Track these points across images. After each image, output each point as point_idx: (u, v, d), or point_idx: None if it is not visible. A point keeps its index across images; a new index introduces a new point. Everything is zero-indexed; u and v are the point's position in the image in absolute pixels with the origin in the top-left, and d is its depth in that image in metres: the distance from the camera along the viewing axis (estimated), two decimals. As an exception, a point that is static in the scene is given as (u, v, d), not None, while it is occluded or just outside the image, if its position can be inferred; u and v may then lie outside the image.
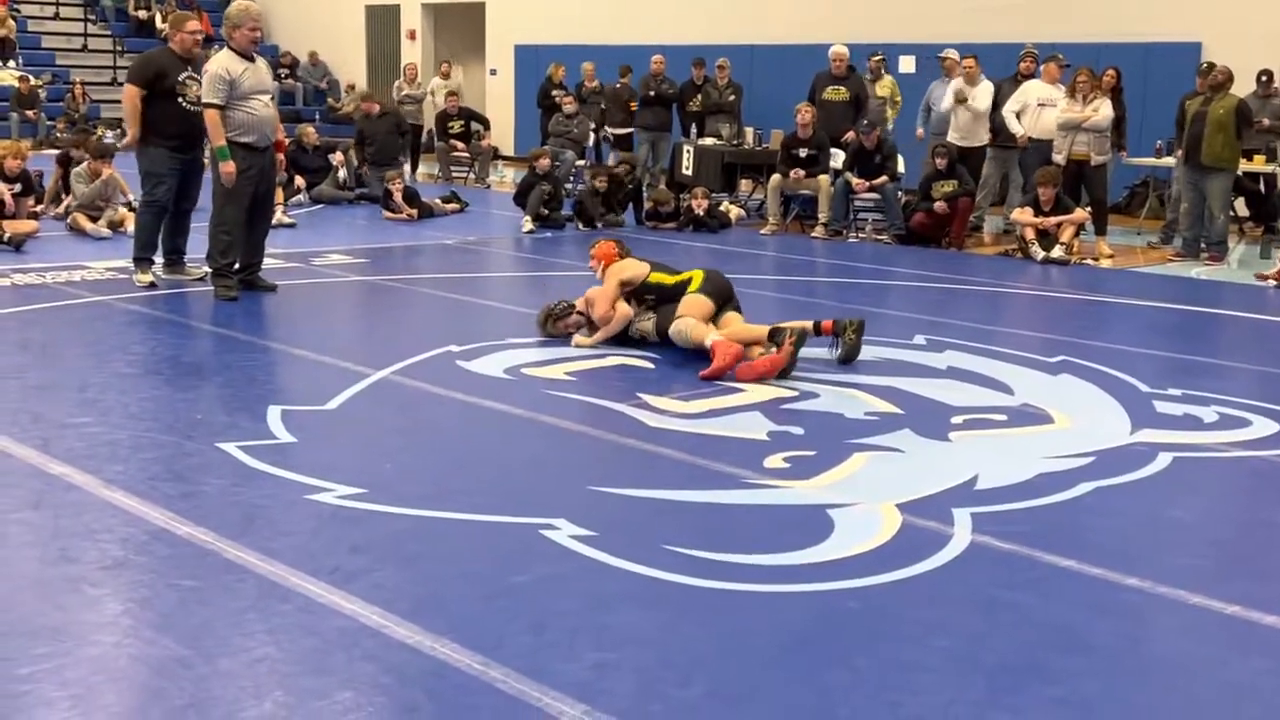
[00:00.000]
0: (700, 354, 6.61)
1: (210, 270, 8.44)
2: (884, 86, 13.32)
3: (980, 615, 3.68)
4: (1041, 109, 12.13)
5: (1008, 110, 12.28)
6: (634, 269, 7.17)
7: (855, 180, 12.36)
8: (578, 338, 7.09)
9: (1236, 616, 3.70)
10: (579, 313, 7.23)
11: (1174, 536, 4.44)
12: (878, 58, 13.50)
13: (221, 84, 8.00)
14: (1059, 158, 11.70)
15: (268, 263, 8.98)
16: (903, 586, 3.85)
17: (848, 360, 6.75)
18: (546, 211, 12.52)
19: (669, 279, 7.12)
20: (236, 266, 8.46)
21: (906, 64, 15.90)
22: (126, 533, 4.11)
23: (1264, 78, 12.80)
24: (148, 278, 8.62)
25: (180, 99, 8.30)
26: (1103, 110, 11.60)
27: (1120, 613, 3.73)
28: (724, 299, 6.98)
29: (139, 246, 8.71)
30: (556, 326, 7.23)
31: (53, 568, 3.83)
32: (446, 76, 18.66)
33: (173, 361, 6.58)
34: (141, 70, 8.44)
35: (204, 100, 8.05)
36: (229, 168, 8.05)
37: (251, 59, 8.23)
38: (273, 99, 8.56)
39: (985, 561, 4.07)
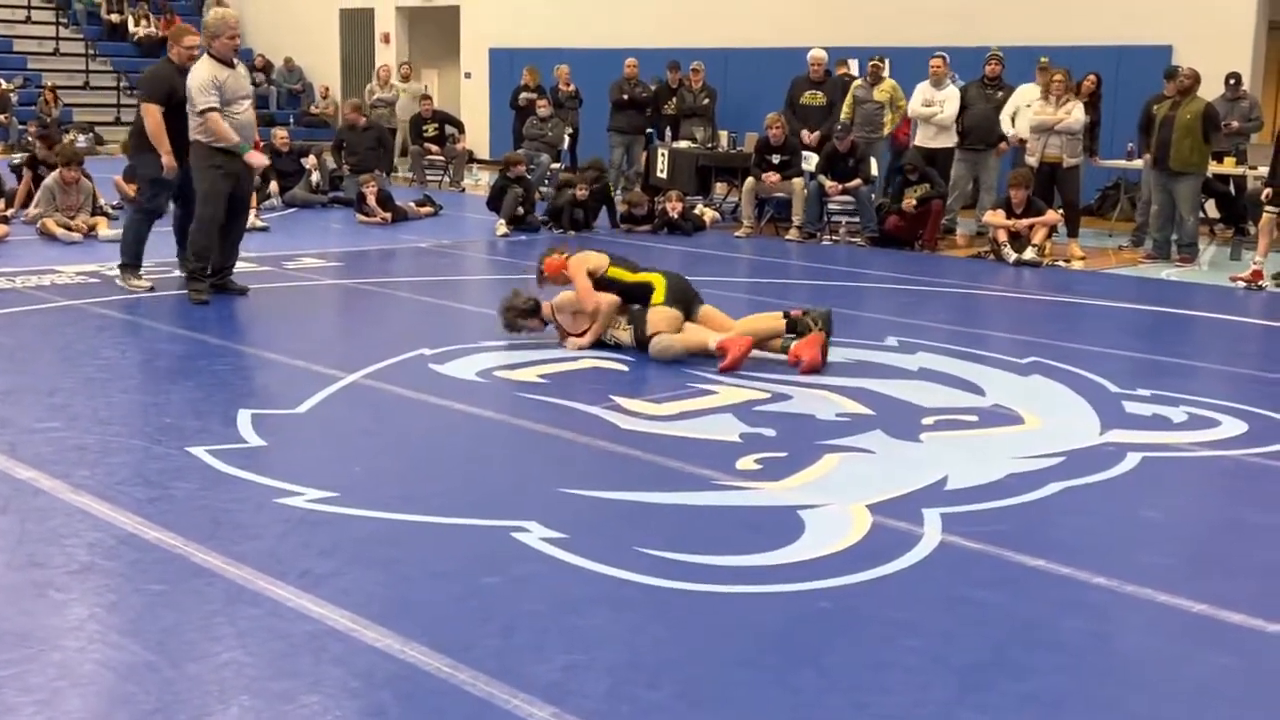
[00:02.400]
0: (682, 360, 6.71)
1: (184, 274, 8.51)
2: (883, 90, 13.30)
3: (950, 614, 3.69)
4: (1025, 110, 12.17)
5: (1005, 114, 12.31)
6: (595, 259, 7.18)
7: (828, 183, 12.39)
8: (572, 340, 7.08)
9: (1204, 614, 3.72)
10: (541, 319, 7.21)
11: (1142, 536, 4.46)
12: (875, 61, 13.53)
13: (212, 88, 8.10)
14: (1031, 160, 11.76)
15: (240, 266, 8.93)
16: (873, 587, 3.86)
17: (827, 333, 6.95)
18: (521, 213, 12.51)
19: (628, 275, 7.13)
20: (209, 270, 8.47)
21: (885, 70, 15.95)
22: (94, 537, 4.08)
23: (1232, 80, 12.90)
24: (144, 283, 8.64)
25: (188, 106, 8.35)
26: (1075, 113, 11.66)
27: (1089, 611, 3.75)
28: (689, 303, 7.03)
29: (129, 253, 8.69)
30: (517, 321, 7.20)
31: (19, 572, 3.80)
32: (406, 79, 18.58)
33: (143, 366, 6.55)
34: (158, 87, 8.39)
35: (200, 107, 8.09)
36: (256, 157, 8.44)
37: (231, 65, 8.34)
38: (252, 104, 8.63)
39: (955, 561, 4.09)
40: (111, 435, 5.23)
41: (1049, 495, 4.77)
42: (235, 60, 8.42)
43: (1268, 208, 10.25)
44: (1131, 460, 5.23)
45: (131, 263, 8.70)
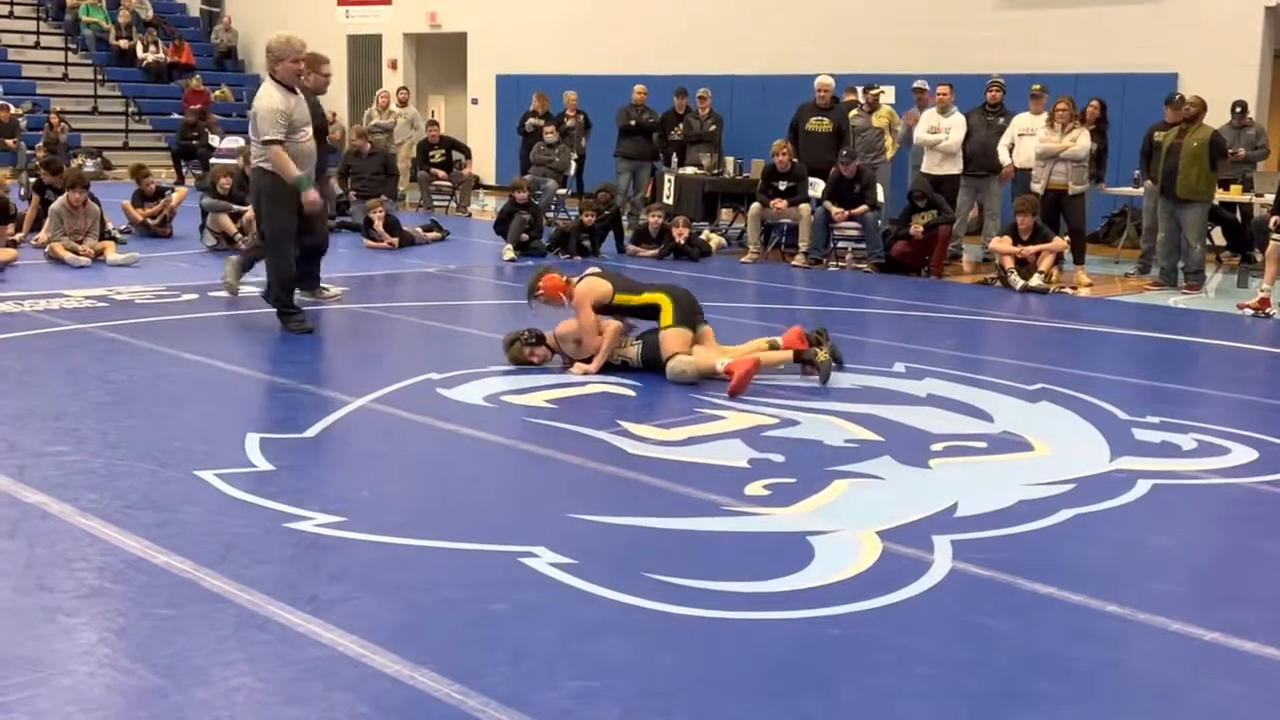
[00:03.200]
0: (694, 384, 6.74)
1: (275, 309, 8.30)
2: (880, 117, 13.37)
3: (961, 642, 3.68)
4: (1021, 138, 12.22)
5: (1003, 144, 12.34)
6: (599, 288, 7.16)
7: (835, 209, 12.42)
8: (579, 365, 7.08)
9: (1215, 642, 3.71)
10: (549, 347, 7.22)
11: (1153, 563, 4.45)
12: (875, 90, 13.59)
13: (281, 119, 7.88)
14: (1037, 187, 11.78)
15: (244, 290, 8.95)
16: (883, 613, 3.85)
17: (837, 363, 7.12)
18: (527, 238, 12.54)
19: (633, 299, 7.14)
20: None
21: (886, 96, 15.98)
22: (103, 561, 4.08)
23: (1238, 108, 12.92)
24: (335, 290, 9.50)
25: (325, 137, 8.92)
26: (1080, 140, 11.68)
27: (1100, 639, 3.73)
28: (695, 319, 7.08)
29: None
30: (523, 353, 7.20)
31: (27, 597, 3.79)
32: (404, 104, 18.56)
33: (151, 390, 6.55)
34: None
35: (265, 137, 7.88)
36: (312, 196, 8.00)
37: (295, 91, 8.08)
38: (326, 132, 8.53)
39: (965, 588, 4.07)
40: (119, 459, 5.23)
41: (1059, 522, 4.75)
42: (297, 87, 8.16)
43: (1275, 235, 10.25)
44: (1142, 487, 5.21)
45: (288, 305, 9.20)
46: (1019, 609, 3.92)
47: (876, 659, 3.55)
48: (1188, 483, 5.37)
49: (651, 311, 7.06)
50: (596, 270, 7.51)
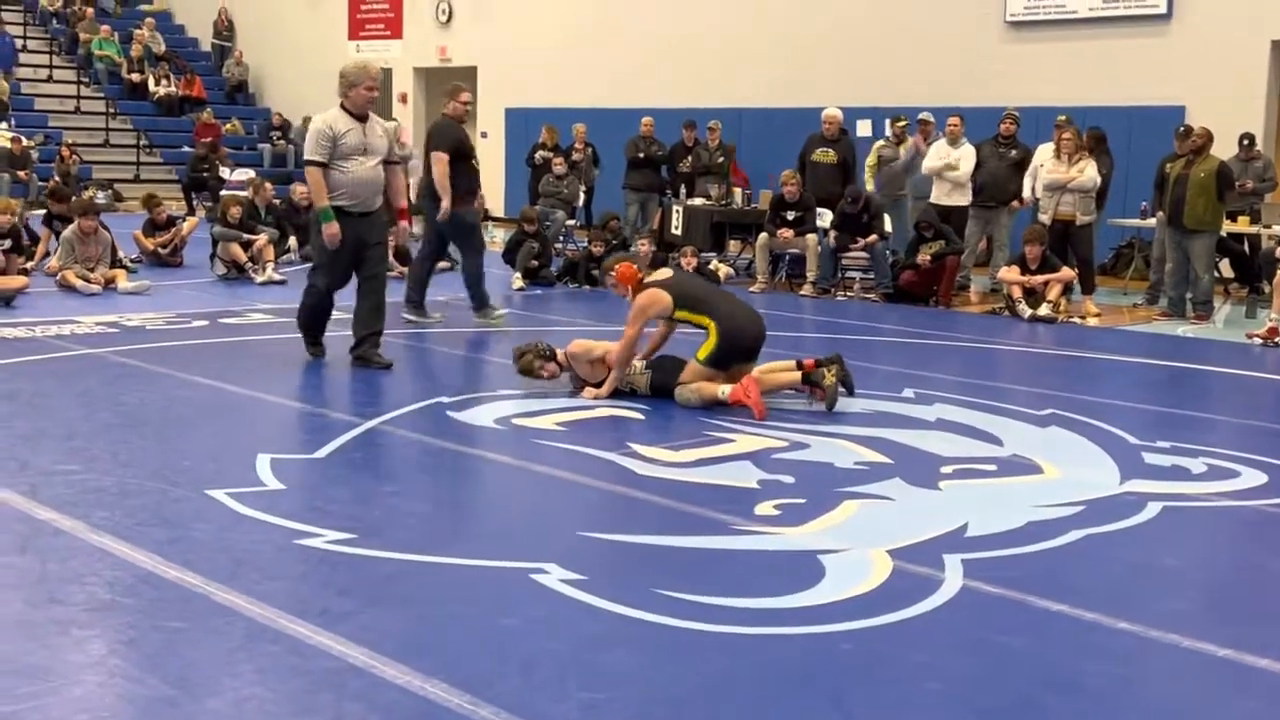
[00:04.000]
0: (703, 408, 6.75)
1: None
2: (907, 148, 13.49)
3: (972, 658, 3.67)
4: (1043, 168, 12.23)
5: (1028, 175, 12.35)
6: (660, 303, 7.04)
7: (834, 239, 12.51)
8: (589, 390, 7.09)
9: (1229, 659, 3.69)
10: (559, 364, 7.22)
11: (1165, 582, 4.44)
12: (901, 122, 13.68)
13: (325, 140, 7.56)
14: (1044, 218, 11.80)
15: (257, 316, 8.97)
16: (894, 630, 3.84)
17: (848, 389, 7.03)
18: (536, 265, 12.59)
19: (690, 317, 7.03)
20: (346, 339, 8.00)
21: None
22: (114, 576, 4.08)
23: (1245, 141, 12.96)
24: (500, 312, 9.87)
25: (471, 160, 9.44)
26: (1087, 171, 11.71)
27: (1112, 656, 3.72)
28: (734, 364, 6.92)
29: (416, 290, 9.80)
30: (533, 365, 7.18)
31: (40, 610, 3.80)
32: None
33: (162, 411, 6.57)
34: (446, 138, 9.34)
35: (305, 157, 7.68)
36: (332, 229, 7.55)
37: (363, 119, 7.70)
38: (402, 162, 8.16)
39: (977, 606, 4.06)
40: (130, 478, 5.24)
41: (1070, 542, 4.74)
42: (370, 114, 7.78)
43: None
44: (1152, 509, 5.20)
45: (418, 300, 9.76)
46: (1030, 626, 3.91)
47: (888, 673, 3.54)
48: (1198, 505, 5.36)
49: (699, 330, 7.05)
50: (667, 275, 7.30)
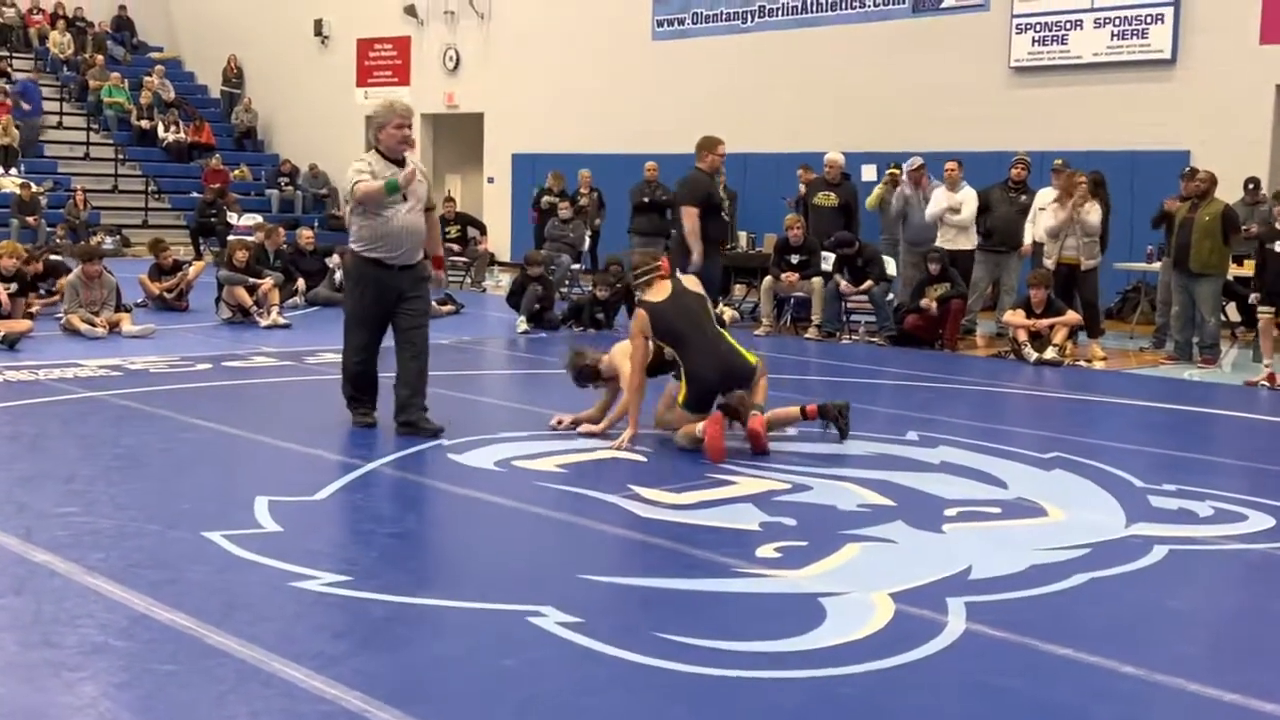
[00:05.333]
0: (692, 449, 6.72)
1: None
2: (897, 195, 13.53)
3: (976, 702, 3.61)
4: (1043, 213, 12.24)
5: (1029, 221, 12.36)
6: (643, 326, 7.00)
7: (843, 284, 12.50)
8: (585, 427, 7.11)
9: (1235, 704, 3.63)
10: (602, 374, 7.28)
11: (1171, 625, 4.38)
12: (892, 170, 13.72)
13: (364, 171, 6.96)
14: (1049, 262, 11.78)
15: (259, 360, 8.97)
16: (897, 673, 3.78)
17: (843, 437, 7.03)
18: (539, 307, 12.60)
19: (670, 350, 6.95)
20: (374, 400, 7.39)
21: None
22: (107, 618, 4.04)
23: (1250, 185, 12.96)
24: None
25: (721, 212, 9.66)
26: (1092, 215, 11.70)
27: (1118, 699, 3.66)
28: (709, 406, 6.88)
29: None
30: (586, 355, 7.31)
31: (33, 652, 3.76)
32: None
33: (162, 454, 6.54)
34: (696, 191, 9.66)
35: (348, 191, 7.04)
36: (405, 175, 6.88)
37: (400, 162, 7.01)
38: (434, 208, 7.41)
39: (980, 649, 4.01)
40: (128, 520, 5.21)
41: (1075, 586, 4.68)
42: (406, 157, 7.10)
43: (1261, 309, 10.27)
44: (1158, 553, 5.14)
45: None
46: (1034, 669, 3.85)
47: (890, 719, 3.49)
48: (1204, 548, 5.30)
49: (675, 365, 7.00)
50: (663, 297, 7.07)
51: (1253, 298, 10.40)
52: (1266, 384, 10.02)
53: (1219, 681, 3.76)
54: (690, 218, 9.56)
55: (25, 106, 23.36)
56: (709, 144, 9.97)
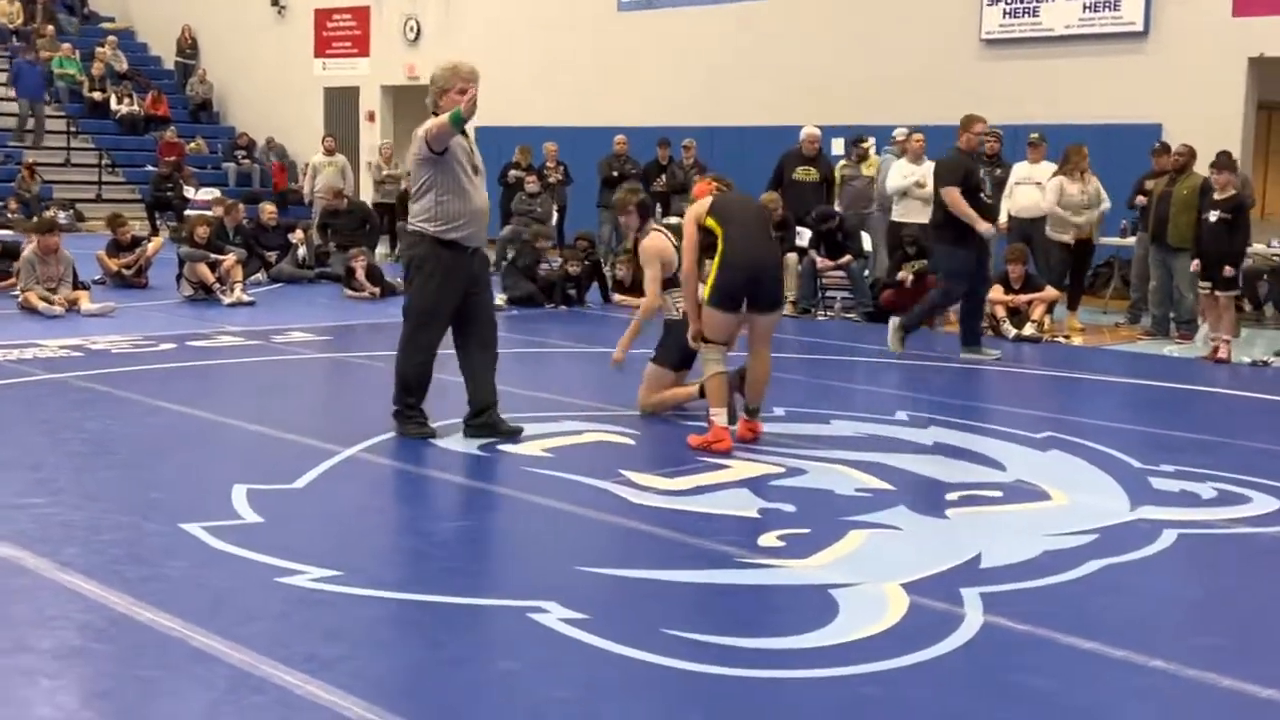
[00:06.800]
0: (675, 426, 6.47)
1: (393, 410, 6.47)
2: (870, 167, 13.36)
3: (1007, 701, 3.46)
4: (1019, 187, 12.10)
5: (1005, 196, 12.24)
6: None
7: (819, 260, 12.32)
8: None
9: (1273, 700, 3.49)
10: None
11: (1193, 616, 4.25)
12: (866, 142, 13.55)
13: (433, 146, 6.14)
14: (1065, 237, 11.63)
15: (225, 339, 8.70)
16: (920, 671, 3.62)
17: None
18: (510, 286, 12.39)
19: (716, 227, 6.51)
20: (466, 411, 6.50)
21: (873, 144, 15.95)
22: (85, 619, 3.82)
23: (1223, 158, 12.86)
24: (992, 353, 9.74)
25: (980, 194, 9.36)
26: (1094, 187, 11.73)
27: (1150, 697, 3.52)
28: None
29: (968, 334, 9.76)
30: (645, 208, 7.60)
31: (6, 657, 3.53)
32: (331, 153, 18.14)
33: (130, 440, 6.29)
34: (955, 171, 9.45)
35: (427, 146, 6.20)
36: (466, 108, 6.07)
37: (464, 131, 6.28)
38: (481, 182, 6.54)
39: (1002, 644, 3.85)
40: (100, 511, 4.97)
41: (1089, 574, 4.54)
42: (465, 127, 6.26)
43: (1201, 283, 10.25)
44: (1168, 537, 5.01)
45: (973, 341, 9.74)
46: (1061, 666, 3.70)
47: (919, 720, 3.33)
48: (1214, 532, 5.17)
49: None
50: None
51: (1194, 265, 10.38)
52: (1212, 357, 9.99)
53: (1252, 676, 3.63)
54: (953, 197, 9.39)
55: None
56: (967, 122, 9.83)
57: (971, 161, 9.67)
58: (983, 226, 9.39)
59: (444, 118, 6.04)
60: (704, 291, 6.45)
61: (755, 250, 6.47)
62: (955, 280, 9.72)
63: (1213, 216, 10.23)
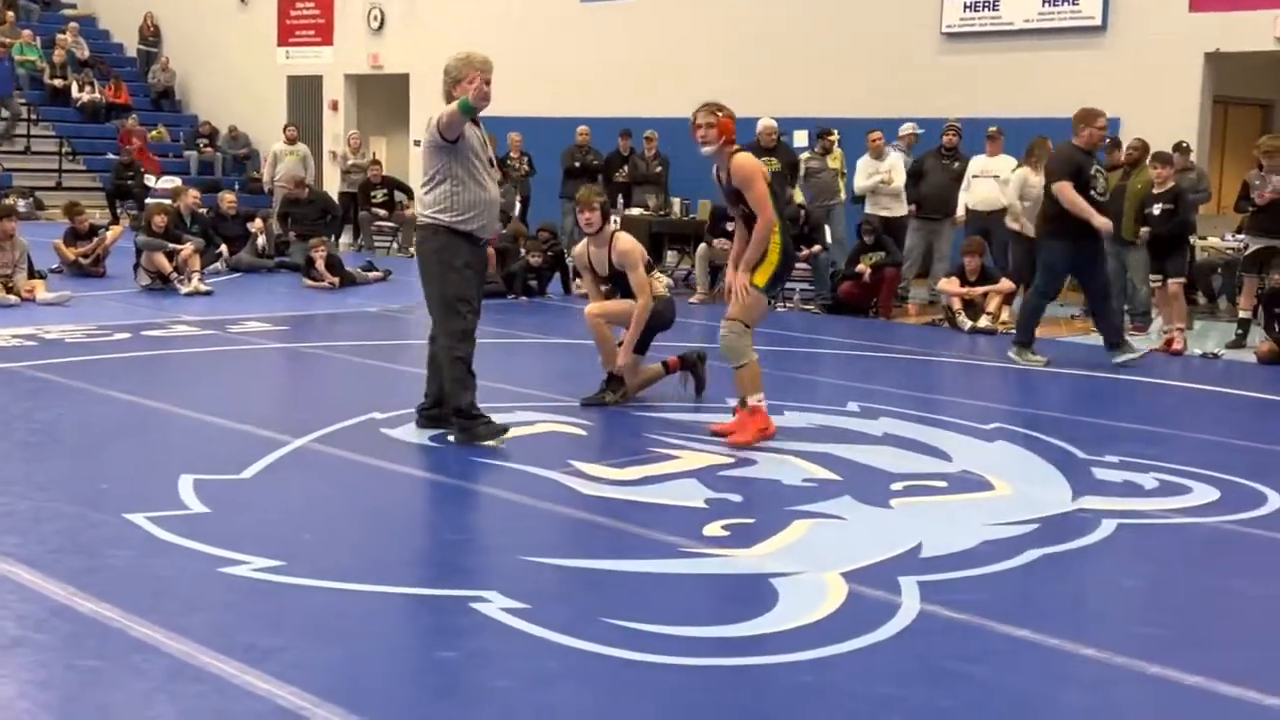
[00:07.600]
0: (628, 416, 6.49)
1: (456, 419, 6.18)
2: (835, 159, 13.42)
3: (939, 688, 3.50)
4: (976, 180, 12.18)
5: (963, 190, 12.32)
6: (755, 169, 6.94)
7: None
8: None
9: (1198, 687, 3.56)
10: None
11: (1127, 604, 4.32)
12: (832, 135, 13.61)
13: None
14: (1016, 226, 11.71)
15: (180, 329, 8.67)
16: (855, 659, 3.67)
17: (700, 391, 7.47)
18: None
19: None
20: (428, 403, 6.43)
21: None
22: (24, 609, 3.82)
23: (1179, 151, 12.99)
24: (1040, 358, 9.32)
25: (1091, 191, 9.13)
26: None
27: (1081, 683, 3.58)
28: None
29: (1025, 331, 9.48)
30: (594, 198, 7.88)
31: (-59, 648, 3.53)
32: (292, 142, 18.09)
33: (79, 430, 6.27)
34: (1067, 166, 9.27)
35: (435, 126, 6.10)
36: (480, 92, 6.06)
37: (476, 122, 6.28)
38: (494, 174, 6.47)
39: (937, 632, 3.91)
40: (45, 501, 4.96)
41: (1027, 563, 4.60)
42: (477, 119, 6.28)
43: (1153, 276, 10.44)
44: (1107, 527, 5.08)
45: (1026, 340, 9.43)
46: (995, 653, 3.76)
47: (853, 708, 3.38)
48: (1153, 522, 5.24)
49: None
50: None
51: (1143, 232, 10.62)
52: (1164, 349, 10.12)
53: (1179, 663, 3.69)
54: (1066, 192, 9.16)
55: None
56: (1087, 117, 9.48)
57: (1086, 158, 9.38)
58: (1099, 221, 9.16)
59: (454, 105, 6.02)
60: (759, 277, 6.54)
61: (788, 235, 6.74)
62: (1047, 275, 9.56)
63: (1156, 209, 10.41)
